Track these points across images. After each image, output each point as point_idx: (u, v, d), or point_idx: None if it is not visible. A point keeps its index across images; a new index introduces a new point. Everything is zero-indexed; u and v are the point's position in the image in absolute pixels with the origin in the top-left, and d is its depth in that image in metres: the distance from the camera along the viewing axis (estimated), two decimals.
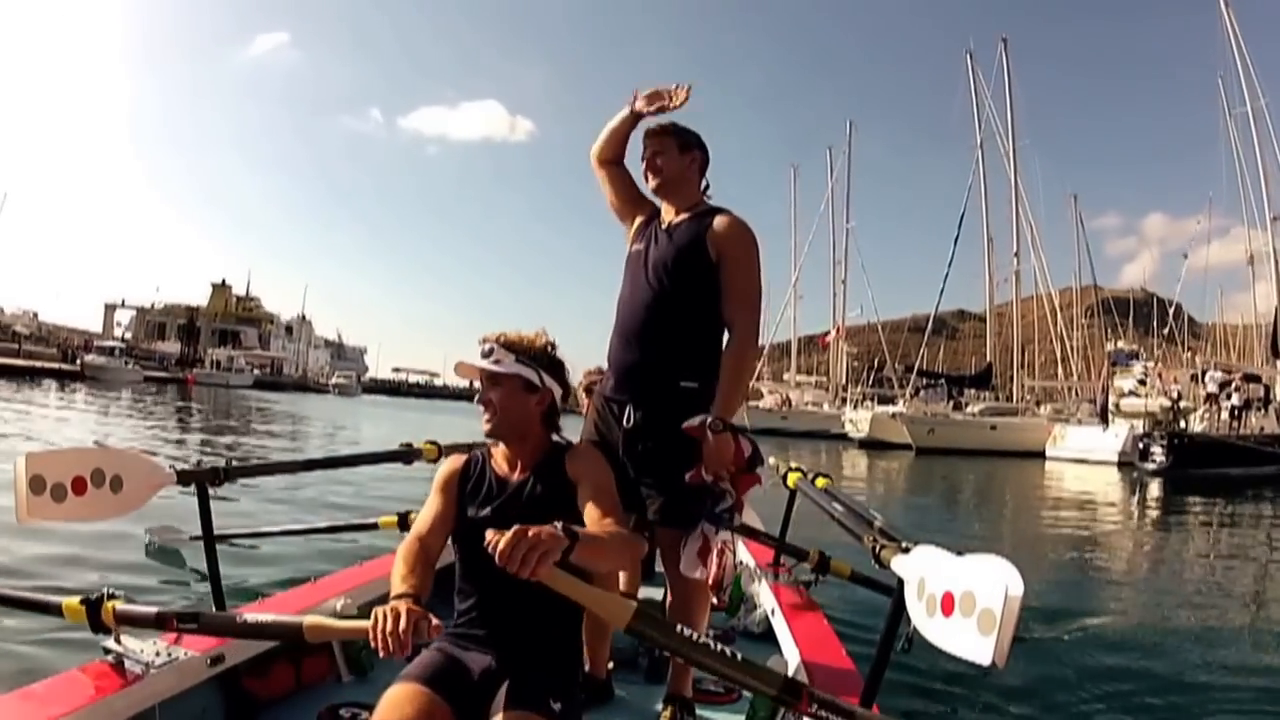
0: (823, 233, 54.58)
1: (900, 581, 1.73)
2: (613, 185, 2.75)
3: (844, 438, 35.68)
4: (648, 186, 2.61)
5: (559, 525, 1.50)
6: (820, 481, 2.99)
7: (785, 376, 58.34)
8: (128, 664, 2.04)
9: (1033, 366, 42.62)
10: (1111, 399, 29.97)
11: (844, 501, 2.61)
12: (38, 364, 44.12)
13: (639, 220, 2.66)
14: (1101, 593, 7.14)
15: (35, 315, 61.00)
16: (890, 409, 34.67)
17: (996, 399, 37.02)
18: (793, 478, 3.19)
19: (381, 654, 1.55)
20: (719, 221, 2.45)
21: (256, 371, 70.42)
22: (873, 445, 32.12)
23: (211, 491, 2.47)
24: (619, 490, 2.32)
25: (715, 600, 3.83)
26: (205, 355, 69.39)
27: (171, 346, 71.20)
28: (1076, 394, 38.88)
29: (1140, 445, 23.92)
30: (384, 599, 3.14)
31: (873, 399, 40.65)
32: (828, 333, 54.30)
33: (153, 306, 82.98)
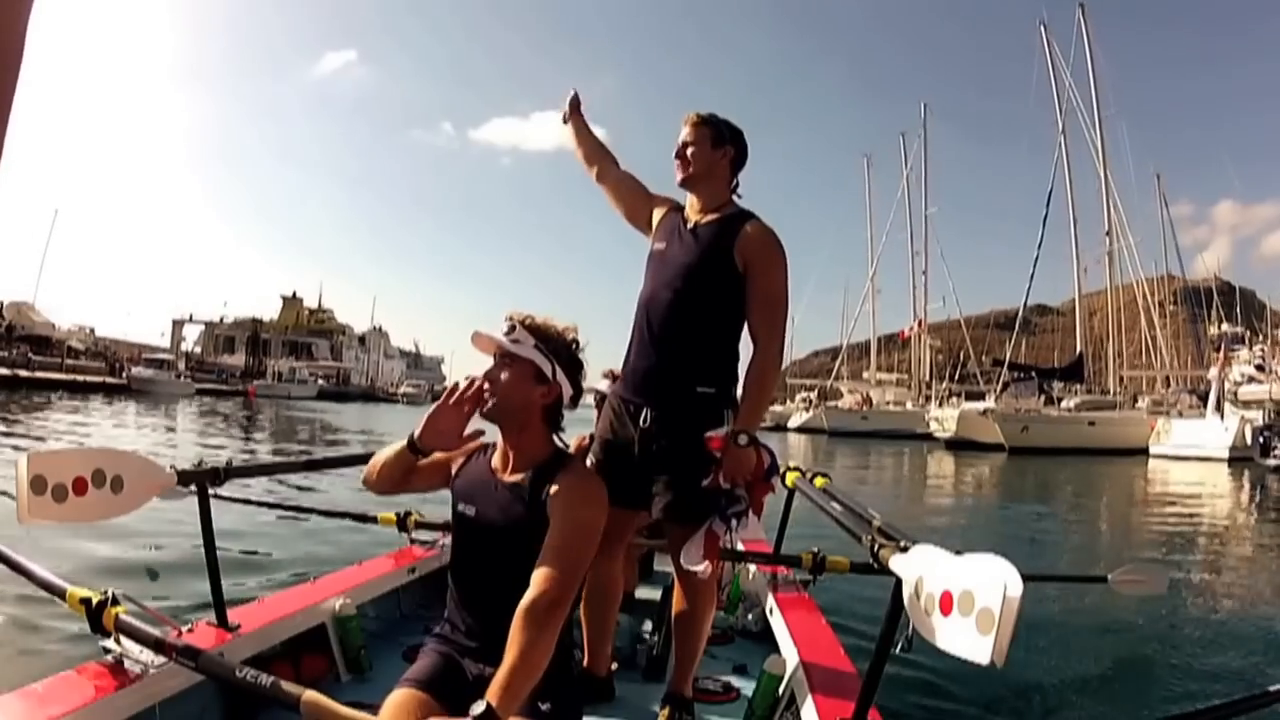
0: (900, 222, 53.88)
1: (899, 581, 1.76)
2: (617, 194, 2.75)
3: (929, 438, 34.93)
4: (676, 177, 2.59)
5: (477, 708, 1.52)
6: (819, 481, 3.02)
7: (865, 375, 57.54)
8: (127, 664, 2.16)
9: (1121, 358, 40.97)
10: (1225, 387, 28.61)
11: (842, 500, 2.64)
12: (80, 378, 44.08)
13: (659, 215, 2.67)
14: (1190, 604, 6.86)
15: (92, 331, 62.79)
16: (979, 405, 33.71)
17: (1090, 392, 35.79)
18: (791, 477, 3.23)
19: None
20: (749, 230, 2.45)
21: (321, 382, 72.73)
22: (960, 445, 31.31)
23: (212, 492, 2.63)
24: (630, 489, 2.45)
25: None
26: (267, 367, 72.02)
27: (237, 359, 74.32)
28: (1175, 384, 37.23)
29: (1260, 438, 22.76)
30: (384, 598, 3.32)
31: (959, 395, 39.58)
32: (911, 328, 53.27)
33: (221, 320, 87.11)
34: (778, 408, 57.99)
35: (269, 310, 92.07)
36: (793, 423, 49.60)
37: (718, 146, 2.54)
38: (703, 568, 2.40)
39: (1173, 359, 42.64)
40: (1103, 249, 39.07)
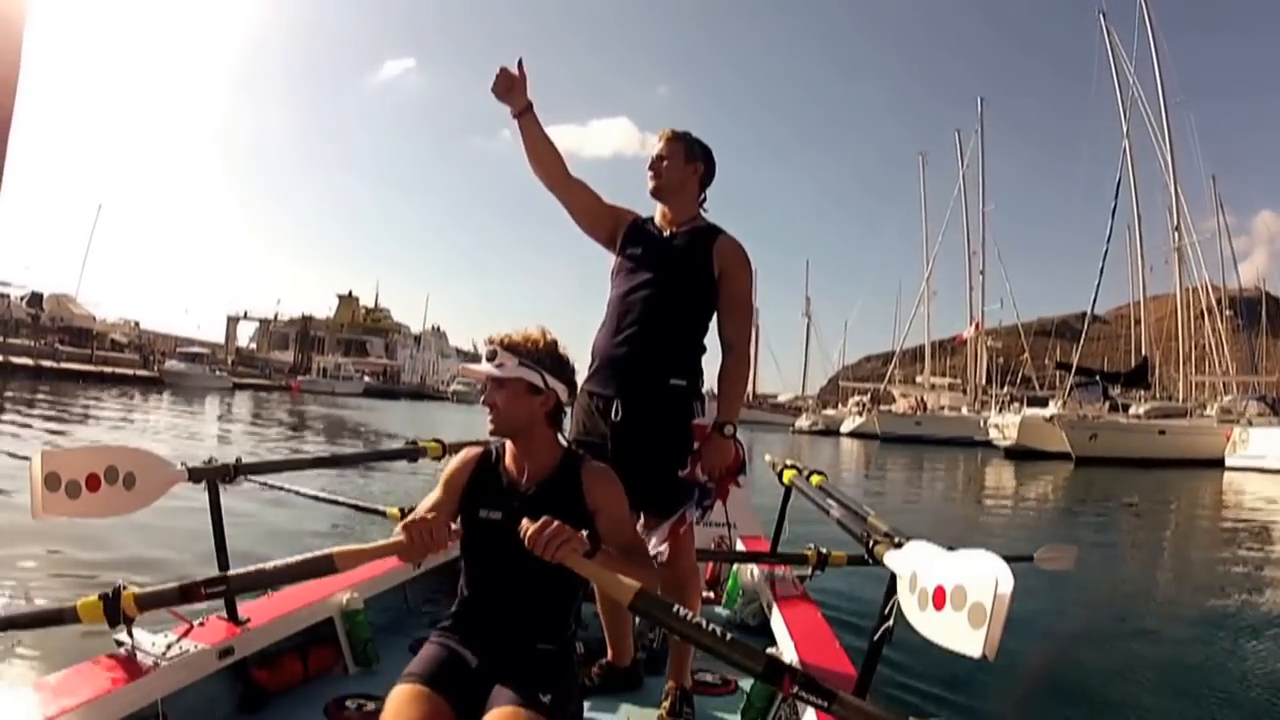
0: (955, 222, 53.23)
1: (893, 576, 1.84)
2: (576, 206, 2.81)
3: (987, 445, 34.13)
4: (647, 186, 2.78)
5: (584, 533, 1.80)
6: (815, 479, 3.13)
7: (918, 379, 56.88)
8: (139, 657, 2.26)
9: (1178, 363, 39.58)
10: None
11: (838, 498, 2.75)
12: (109, 370, 43.60)
13: (624, 227, 2.81)
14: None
15: (136, 324, 64.15)
16: (1043, 411, 32.62)
17: (1155, 398, 34.79)
18: (788, 474, 3.34)
19: (417, 558, 1.91)
20: (723, 241, 2.71)
21: (368, 379, 74.15)
22: (1022, 454, 30.49)
23: (222, 489, 2.76)
24: None
25: (711, 594, 4.05)
26: (313, 363, 73.79)
27: (289, 356, 76.41)
28: (1237, 391, 35.85)
29: None
30: (390, 592, 3.43)
31: (1020, 400, 38.53)
32: (967, 330, 52.46)
33: (275, 318, 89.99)
34: (830, 412, 57.63)
35: (327, 310, 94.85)
36: (845, 427, 49.04)
37: (689, 162, 2.77)
38: (665, 551, 2.60)
39: (1228, 364, 41.17)
40: (1170, 246, 37.77)
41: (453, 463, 2.27)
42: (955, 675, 4.09)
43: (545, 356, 2.14)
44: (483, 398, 2.15)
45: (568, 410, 2.35)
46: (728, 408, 2.66)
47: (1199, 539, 13.53)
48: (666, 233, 2.75)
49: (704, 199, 2.81)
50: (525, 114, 2.68)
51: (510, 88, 2.65)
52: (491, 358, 2.13)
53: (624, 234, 2.81)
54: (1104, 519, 15.38)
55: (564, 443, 2.22)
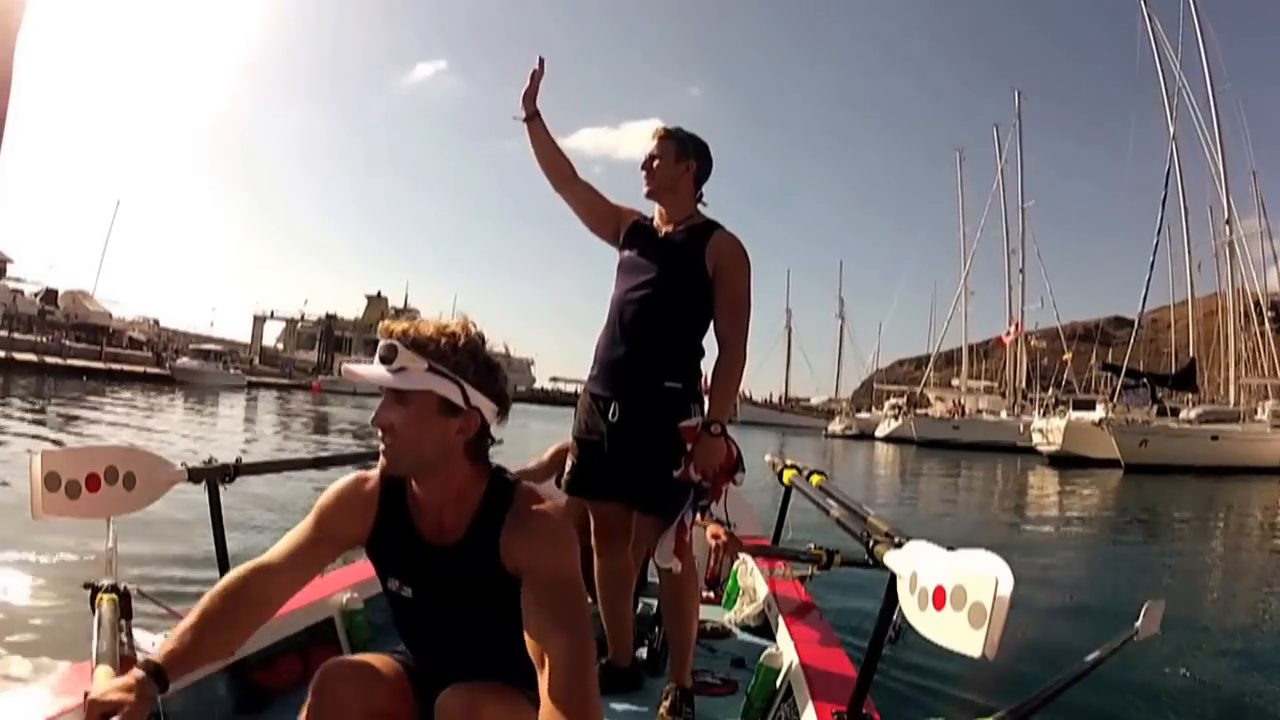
0: (994, 220, 52.86)
1: (893, 575, 1.87)
2: (580, 205, 2.89)
3: (1029, 451, 33.61)
4: (643, 188, 2.81)
5: None
6: (815, 479, 3.19)
7: (954, 383, 56.36)
8: (139, 656, 2.31)
9: (1220, 365, 38.66)
10: None
11: (838, 497, 2.80)
12: (117, 367, 43.55)
13: (627, 224, 2.87)
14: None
15: (156, 322, 65.51)
16: (1090, 415, 31.95)
17: (1202, 401, 34.16)
18: (788, 474, 3.41)
19: None
20: (718, 238, 2.71)
21: None
22: (1066, 461, 29.99)
23: (222, 489, 2.84)
24: (609, 483, 2.66)
25: (711, 594, 4.08)
26: (337, 362, 74.85)
27: (314, 355, 77.59)
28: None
29: None
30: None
31: (1065, 404, 37.94)
32: (1007, 333, 51.85)
33: (302, 318, 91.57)
34: (864, 415, 57.20)
35: (356, 311, 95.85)
36: (880, 431, 48.62)
37: (681, 160, 2.77)
38: (675, 564, 2.63)
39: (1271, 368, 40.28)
40: (1221, 240, 37.21)
41: (329, 497, 1.71)
42: (956, 675, 4.14)
43: (468, 361, 1.57)
44: (373, 417, 1.58)
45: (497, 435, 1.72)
46: (717, 406, 2.69)
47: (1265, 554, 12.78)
48: (663, 232, 2.79)
49: (701, 195, 2.83)
50: (533, 119, 2.81)
51: (529, 93, 2.79)
52: (388, 358, 1.55)
53: (624, 234, 2.86)
54: (1168, 532, 14.87)
55: (488, 479, 1.65)
